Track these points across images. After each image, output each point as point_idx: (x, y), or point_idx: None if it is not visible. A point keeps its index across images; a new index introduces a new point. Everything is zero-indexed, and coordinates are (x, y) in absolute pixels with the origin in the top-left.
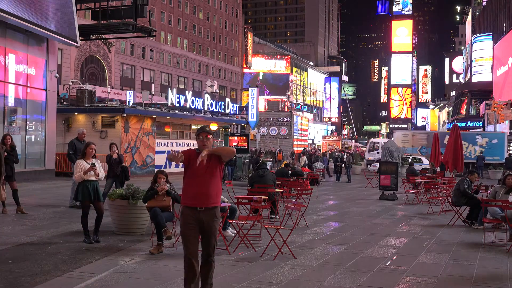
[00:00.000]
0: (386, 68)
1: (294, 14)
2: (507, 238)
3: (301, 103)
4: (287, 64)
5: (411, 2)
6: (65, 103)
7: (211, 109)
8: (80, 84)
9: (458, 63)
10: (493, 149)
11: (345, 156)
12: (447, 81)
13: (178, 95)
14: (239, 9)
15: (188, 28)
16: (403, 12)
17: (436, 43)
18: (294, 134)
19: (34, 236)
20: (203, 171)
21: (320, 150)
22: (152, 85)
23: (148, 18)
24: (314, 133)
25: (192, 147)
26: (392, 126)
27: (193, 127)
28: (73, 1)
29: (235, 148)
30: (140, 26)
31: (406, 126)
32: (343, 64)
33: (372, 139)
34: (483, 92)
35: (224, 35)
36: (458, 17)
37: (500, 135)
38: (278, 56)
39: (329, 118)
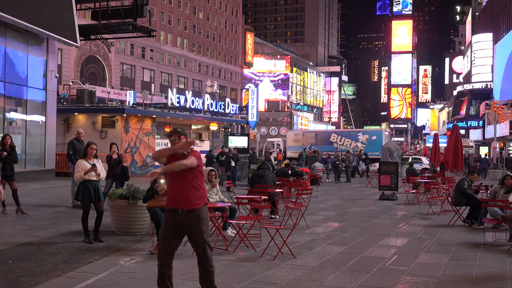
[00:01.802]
0: (386, 68)
1: (294, 14)
2: (507, 238)
3: (301, 103)
4: (287, 64)
5: (411, 2)
6: (65, 103)
7: (211, 109)
8: (80, 84)
9: (458, 63)
10: (373, 145)
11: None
12: (447, 81)
13: (178, 95)
14: (239, 9)
15: (188, 28)
16: (403, 12)
17: (436, 43)
18: None
19: (34, 236)
20: (182, 175)
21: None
22: (152, 85)
23: (148, 18)
24: None
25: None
26: (392, 126)
27: (193, 127)
28: (73, 1)
29: (235, 148)
30: (140, 26)
31: (406, 126)
32: (343, 64)
33: (268, 139)
34: (483, 92)
35: (224, 35)
36: (458, 17)
37: (379, 132)
38: (278, 56)
39: (329, 118)
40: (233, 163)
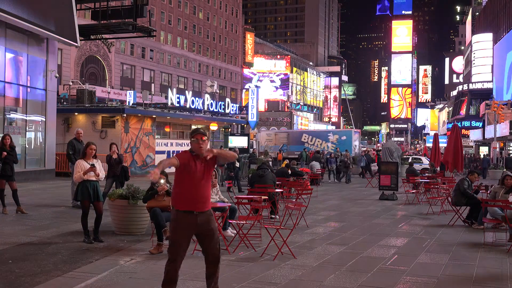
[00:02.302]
0: (386, 68)
1: (294, 14)
2: (507, 238)
3: (301, 103)
4: (287, 64)
5: (412, 2)
6: (65, 103)
7: (211, 109)
8: (80, 84)
9: (458, 63)
10: (343, 145)
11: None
12: (447, 81)
13: (178, 95)
14: (239, 9)
15: (188, 28)
16: (403, 12)
17: (436, 43)
18: None
19: (34, 236)
20: (200, 175)
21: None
22: (152, 85)
23: (148, 18)
24: None
25: (187, 149)
26: (392, 126)
27: (193, 127)
28: (73, 1)
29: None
30: (140, 26)
31: (406, 126)
32: (343, 64)
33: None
34: (483, 92)
35: (224, 35)
36: (458, 17)
37: (348, 132)
38: (278, 56)
39: (329, 118)
40: (237, 164)
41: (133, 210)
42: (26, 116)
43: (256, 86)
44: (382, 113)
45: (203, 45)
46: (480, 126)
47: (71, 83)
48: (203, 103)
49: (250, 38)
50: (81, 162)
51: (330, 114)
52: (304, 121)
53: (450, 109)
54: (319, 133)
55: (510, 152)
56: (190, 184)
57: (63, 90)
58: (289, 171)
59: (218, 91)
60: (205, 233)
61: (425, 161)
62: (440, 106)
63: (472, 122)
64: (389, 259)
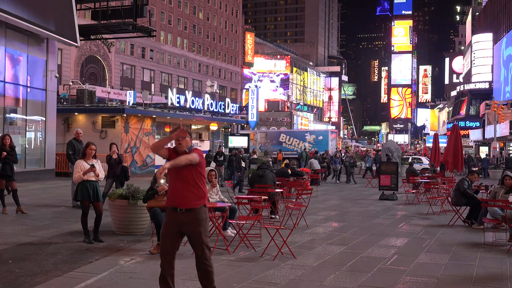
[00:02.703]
0: (386, 68)
1: (294, 14)
2: (507, 238)
3: (301, 103)
4: (287, 64)
5: (411, 2)
6: (65, 103)
7: (211, 109)
8: (80, 84)
9: (458, 63)
10: (319, 145)
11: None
12: (447, 81)
13: (178, 95)
14: (239, 9)
15: (188, 28)
16: (403, 12)
17: (436, 43)
18: None
19: (34, 236)
20: (176, 173)
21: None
22: (152, 85)
23: (148, 18)
24: None
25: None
26: (392, 126)
27: (193, 127)
28: (73, 1)
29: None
30: (140, 26)
31: (406, 126)
32: (343, 64)
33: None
34: (483, 92)
35: (224, 35)
36: (458, 17)
37: (325, 132)
38: (278, 56)
39: (329, 118)
40: (243, 164)
41: (133, 210)
42: (26, 116)
43: (256, 86)
44: (382, 113)
45: (203, 45)
46: (476, 126)
47: (71, 83)
48: (203, 103)
49: (250, 38)
50: (81, 162)
51: (330, 114)
52: (304, 121)
53: (450, 109)
54: (296, 133)
55: (510, 152)
56: (174, 182)
57: (63, 90)
58: (289, 171)
59: (218, 91)
60: (187, 234)
61: (425, 161)
62: (440, 106)
63: (467, 122)
64: (389, 259)
